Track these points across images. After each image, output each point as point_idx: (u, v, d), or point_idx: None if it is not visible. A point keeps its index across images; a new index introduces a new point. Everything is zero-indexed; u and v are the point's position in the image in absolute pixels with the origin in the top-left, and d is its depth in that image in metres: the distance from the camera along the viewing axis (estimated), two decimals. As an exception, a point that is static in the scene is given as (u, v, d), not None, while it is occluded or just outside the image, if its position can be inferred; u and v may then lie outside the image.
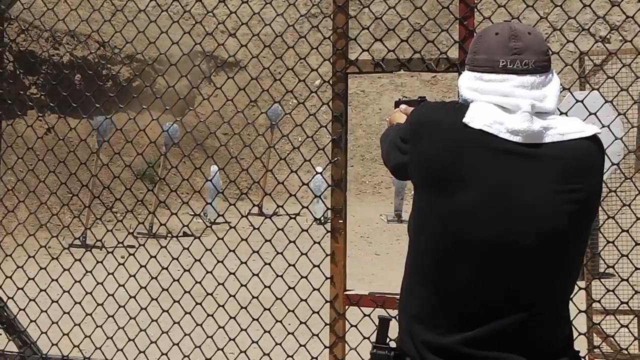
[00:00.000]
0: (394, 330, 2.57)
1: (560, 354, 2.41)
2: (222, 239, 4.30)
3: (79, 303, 4.62)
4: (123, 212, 4.55)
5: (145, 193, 4.38)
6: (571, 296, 2.51)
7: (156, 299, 4.43)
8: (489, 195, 2.35)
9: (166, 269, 4.38)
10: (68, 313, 4.67)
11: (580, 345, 4.08)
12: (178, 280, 4.41)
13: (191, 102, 16.80)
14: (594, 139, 2.43)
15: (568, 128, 2.40)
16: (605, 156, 2.51)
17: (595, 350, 6.18)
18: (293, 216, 4.41)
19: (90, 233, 10.75)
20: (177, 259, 4.42)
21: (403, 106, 3.12)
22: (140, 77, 4.64)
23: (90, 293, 4.57)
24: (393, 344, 2.59)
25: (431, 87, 18.99)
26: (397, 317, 2.57)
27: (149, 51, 5.29)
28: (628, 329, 3.86)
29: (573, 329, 2.54)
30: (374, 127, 18.53)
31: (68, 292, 4.58)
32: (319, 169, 5.63)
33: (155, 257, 4.46)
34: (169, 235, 5.24)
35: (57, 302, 4.65)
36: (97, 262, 4.60)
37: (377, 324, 2.70)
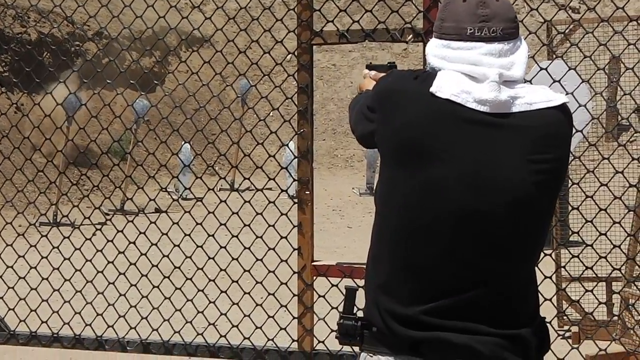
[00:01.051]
0: (361, 300, 2.57)
1: (527, 323, 2.40)
2: (189, 212, 4.29)
3: (46, 279, 4.60)
4: (99, 187, 4.55)
5: (110, 168, 4.34)
6: (537, 263, 2.51)
7: (124, 274, 4.42)
8: (457, 166, 2.34)
9: (133, 243, 4.37)
10: (35, 289, 4.65)
11: (547, 311, 4.13)
12: (145, 255, 4.40)
13: (162, 78, 16.72)
14: (563, 108, 2.41)
15: (536, 97, 2.38)
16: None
17: (566, 316, 6.25)
18: (260, 189, 4.40)
19: (62, 210, 10.72)
20: (144, 233, 4.41)
21: (372, 72, 3.10)
22: (105, 53, 4.60)
23: (57, 269, 4.55)
24: (360, 314, 2.59)
25: (402, 59, 18.97)
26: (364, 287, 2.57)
27: (119, 27, 5.24)
28: (593, 294, 3.90)
29: (539, 295, 2.55)
30: (346, 100, 18.51)
31: (35, 268, 4.56)
32: (291, 144, 5.61)
33: (122, 232, 4.45)
34: (142, 211, 5.22)
35: (24, 278, 4.63)
36: (64, 237, 4.58)
37: (344, 294, 2.70)
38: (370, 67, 3.14)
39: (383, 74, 2.79)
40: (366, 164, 15.31)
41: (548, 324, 2.54)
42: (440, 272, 2.38)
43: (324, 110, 18.66)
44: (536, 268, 2.51)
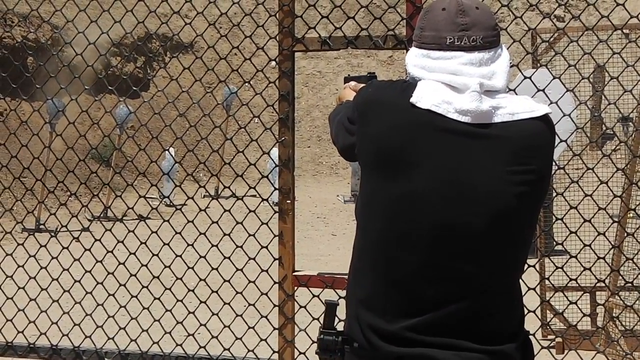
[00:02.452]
0: (343, 312, 2.52)
1: (511, 338, 2.36)
2: (168, 221, 4.23)
3: (23, 288, 4.52)
4: (77, 195, 4.48)
5: (89, 175, 4.28)
6: (521, 275, 2.46)
7: (101, 283, 4.35)
8: (439, 177, 2.30)
9: (111, 252, 4.30)
10: (11, 298, 4.58)
11: (531, 321, 4.09)
12: (124, 264, 4.34)
13: (146, 85, 16.63)
14: (545, 119, 2.37)
15: (518, 107, 2.34)
16: (557, 134, 2.46)
17: (549, 327, 6.21)
18: (240, 198, 4.34)
19: (45, 218, 10.63)
20: (122, 242, 4.35)
21: (352, 83, 3.06)
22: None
23: (34, 278, 4.48)
24: (341, 327, 2.54)
25: (387, 67, 18.97)
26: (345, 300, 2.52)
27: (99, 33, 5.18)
28: (577, 305, 3.85)
29: (524, 308, 2.50)
30: (331, 107, 18.48)
31: (11, 277, 4.49)
32: (274, 152, 5.55)
33: (100, 240, 4.38)
34: (120, 220, 5.15)
35: (-1, 287, 4.56)
36: (41, 246, 4.50)
37: (325, 308, 2.65)
38: (349, 78, 3.10)
39: (363, 85, 2.75)
40: (351, 171, 15.27)
41: (532, 336, 2.49)
42: (422, 286, 2.33)
43: (309, 117, 18.63)
44: (520, 280, 2.46)
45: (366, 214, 2.42)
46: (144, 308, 4.41)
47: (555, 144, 2.49)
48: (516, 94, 3.29)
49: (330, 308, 2.58)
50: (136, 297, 4.38)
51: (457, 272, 2.31)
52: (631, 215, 5.23)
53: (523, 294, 2.49)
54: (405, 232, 2.33)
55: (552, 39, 6.47)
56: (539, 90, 3.79)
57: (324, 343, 2.49)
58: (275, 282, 4.12)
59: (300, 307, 4.11)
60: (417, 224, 2.31)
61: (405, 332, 2.32)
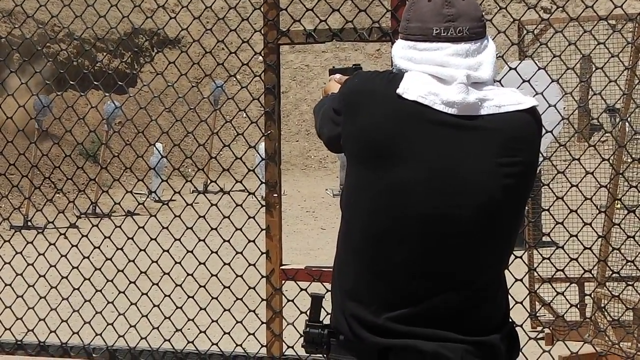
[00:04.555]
0: (330, 305, 2.51)
1: (497, 329, 2.36)
2: (155, 216, 4.22)
3: (10, 285, 4.50)
4: (64, 191, 4.46)
5: (75, 171, 4.26)
6: (506, 267, 2.47)
7: (89, 279, 4.34)
8: (426, 168, 2.29)
9: (98, 248, 4.28)
10: (-3, 296, 4.56)
11: (520, 312, 4.09)
12: (111, 260, 4.32)
13: (133, 81, 16.58)
14: (531, 111, 2.37)
15: (505, 100, 2.34)
16: (543, 126, 2.47)
17: (539, 317, 6.22)
18: (227, 192, 4.33)
19: (36, 215, 10.59)
20: (109, 237, 4.33)
21: (338, 75, 3.06)
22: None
23: (21, 275, 4.46)
24: (328, 320, 2.54)
25: (375, 60, 18.95)
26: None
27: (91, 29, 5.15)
28: (564, 296, 3.86)
29: (510, 299, 2.50)
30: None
31: (-3, 274, 4.47)
32: (261, 146, 5.55)
33: (87, 236, 4.36)
34: (107, 215, 5.13)
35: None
36: (27, 242, 4.49)
37: (310, 301, 2.65)
38: (334, 70, 3.09)
39: (348, 77, 2.74)
40: (339, 164, 15.26)
41: (519, 327, 2.50)
42: (407, 278, 2.33)
43: (297, 111, 18.60)
44: (506, 271, 2.46)
45: (351, 204, 2.41)
46: (131, 304, 4.40)
47: (542, 135, 2.49)
48: (502, 86, 3.29)
49: (316, 301, 2.58)
50: (124, 292, 4.37)
51: (443, 264, 2.32)
52: (618, 205, 5.23)
53: (511, 285, 2.49)
54: (391, 224, 2.33)
55: (539, 31, 6.46)
56: (524, 81, 3.79)
57: (309, 336, 2.50)
58: (263, 276, 4.11)
59: (288, 300, 4.10)
60: (403, 214, 2.31)
61: (390, 323, 2.32)
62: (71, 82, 4.19)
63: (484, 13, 2.47)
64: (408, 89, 2.33)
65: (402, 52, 2.40)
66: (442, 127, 2.31)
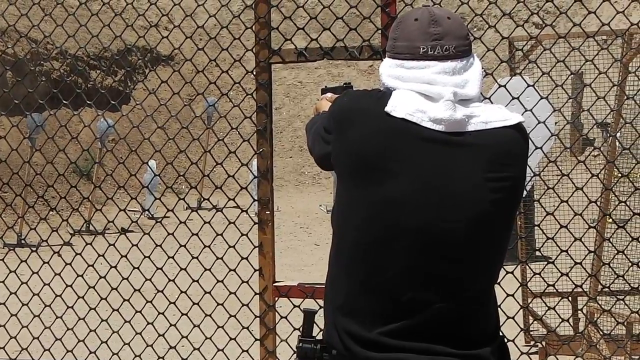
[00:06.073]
0: (322, 321, 2.54)
1: (487, 343, 2.39)
2: (149, 234, 4.24)
3: (3, 304, 4.51)
4: (57, 210, 4.49)
5: (68, 189, 4.28)
6: (497, 282, 2.49)
7: (83, 297, 4.35)
8: (416, 184, 2.33)
9: (92, 266, 4.30)
10: (-8, 314, 4.57)
11: (512, 327, 4.11)
12: (105, 277, 4.34)
13: (127, 99, 16.61)
14: (518, 127, 2.41)
15: (492, 116, 2.38)
16: (531, 141, 2.50)
17: (531, 332, 6.24)
18: (220, 209, 4.35)
19: (30, 233, 10.59)
20: (102, 255, 4.35)
21: (329, 94, 3.10)
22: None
23: (15, 293, 4.48)
24: (320, 336, 2.56)
25: (368, 76, 19.01)
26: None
27: (86, 47, 5.19)
28: (555, 310, 3.88)
29: (501, 313, 2.53)
30: (312, 117, 18.46)
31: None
32: (254, 163, 5.57)
33: (81, 254, 4.38)
34: (101, 233, 5.14)
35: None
36: (22, 261, 4.50)
37: (303, 316, 2.67)
38: (326, 90, 3.13)
39: (338, 95, 2.78)
40: (333, 180, 15.28)
41: (511, 342, 2.52)
42: (398, 292, 2.35)
43: (291, 127, 18.64)
44: (496, 286, 2.49)
45: (343, 220, 2.45)
46: (125, 321, 4.41)
47: (530, 151, 2.53)
48: (492, 102, 3.33)
49: (309, 316, 2.60)
50: (117, 310, 4.38)
51: (434, 278, 2.34)
52: (610, 220, 5.26)
53: (502, 300, 2.52)
54: (382, 238, 2.36)
55: (529, 47, 6.51)
56: (514, 98, 3.83)
57: (302, 351, 2.52)
58: (256, 293, 4.13)
59: (282, 317, 4.12)
60: (395, 230, 2.34)
61: (382, 338, 2.34)
62: (64, 102, 4.22)
63: (474, 29, 2.51)
64: (396, 107, 2.37)
65: (390, 70, 2.45)
66: (431, 144, 2.35)
